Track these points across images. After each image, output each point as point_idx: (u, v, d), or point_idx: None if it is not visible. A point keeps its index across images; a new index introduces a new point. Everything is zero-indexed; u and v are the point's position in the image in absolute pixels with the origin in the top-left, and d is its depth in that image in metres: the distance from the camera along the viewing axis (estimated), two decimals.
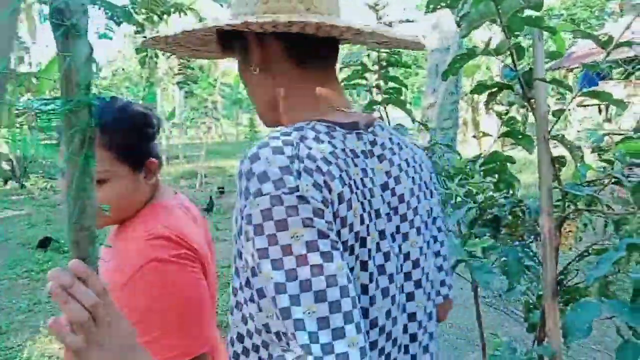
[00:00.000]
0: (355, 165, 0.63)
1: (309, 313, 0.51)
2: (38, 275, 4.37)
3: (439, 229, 0.78)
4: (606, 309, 0.82)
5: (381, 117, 1.37)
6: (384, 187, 0.67)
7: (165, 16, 13.54)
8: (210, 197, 7.06)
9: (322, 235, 0.54)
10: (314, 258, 0.53)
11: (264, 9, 0.65)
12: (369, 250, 0.60)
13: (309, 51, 0.69)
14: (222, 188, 8.80)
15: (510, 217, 1.04)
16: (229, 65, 14.74)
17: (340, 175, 0.59)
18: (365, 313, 0.60)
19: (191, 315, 0.87)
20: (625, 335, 0.90)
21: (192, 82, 12.88)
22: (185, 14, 13.90)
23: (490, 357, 1.01)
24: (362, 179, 0.63)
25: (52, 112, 0.49)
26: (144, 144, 0.95)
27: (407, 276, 0.68)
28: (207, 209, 6.68)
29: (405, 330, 0.67)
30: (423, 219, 0.72)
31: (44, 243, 5.19)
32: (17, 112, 11.41)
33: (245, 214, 0.55)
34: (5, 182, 11.32)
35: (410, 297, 0.68)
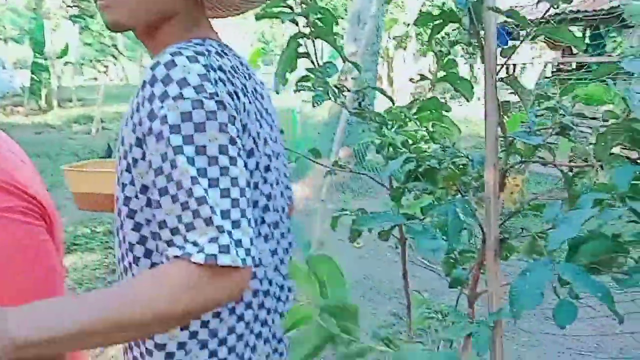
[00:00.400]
0: (246, 79, 0.73)
1: (215, 205, 0.58)
2: None
3: (281, 144, 0.88)
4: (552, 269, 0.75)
5: (308, 53, 1.19)
6: (255, 99, 0.75)
7: None
8: (109, 145, 6.47)
9: (232, 141, 0.62)
10: (224, 161, 0.60)
11: None
12: (261, 153, 0.72)
13: None
14: None
15: (449, 170, 0.93)
16: None
17: (242, 88, 0.68)
18: (256, 203, 0.72)
19: (35, 287, 0.65)
20: (561, 295, 0.85)
21: (88, 16, 11.44)
22: None
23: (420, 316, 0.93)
24: (252, 91, 0.74)
25: None
26: None
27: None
28: (104, 157, 6.12)
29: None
30: (274, 129, 0.82)
31: None
32: None
33: (160, 116, 0.59)
34: None
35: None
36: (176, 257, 0.57)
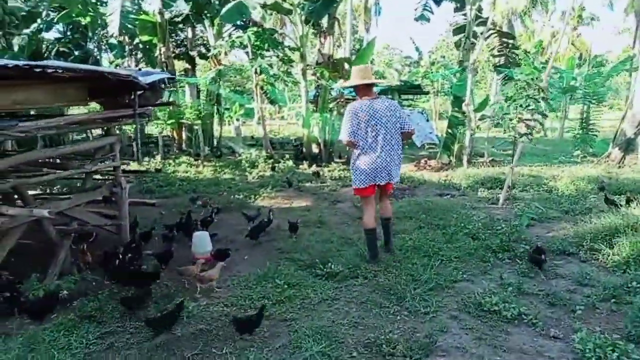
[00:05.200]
0: (368, 106, 4.91)
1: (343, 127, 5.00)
2: None
3: (390, 115, 4.87)
4: None
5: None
6: (369, 108, 4.88)
7: None
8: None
9: (351, 116, 4.91)
10: (347, 119, 4.96)
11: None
12: (360, 120, 4.88)
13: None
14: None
15: None
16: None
17: (361, 108, 4.95)
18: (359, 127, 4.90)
19: None
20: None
21: (515, 65, 11.63)
22: None
23: None
24: (369, 107, 4.90)
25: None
26: None
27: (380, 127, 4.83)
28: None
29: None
30: (379, 113, 4.83)
31: (293, 227, 5.79)
32: (329, 98, 12.10)
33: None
34: (310, 164, 11.89)
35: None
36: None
